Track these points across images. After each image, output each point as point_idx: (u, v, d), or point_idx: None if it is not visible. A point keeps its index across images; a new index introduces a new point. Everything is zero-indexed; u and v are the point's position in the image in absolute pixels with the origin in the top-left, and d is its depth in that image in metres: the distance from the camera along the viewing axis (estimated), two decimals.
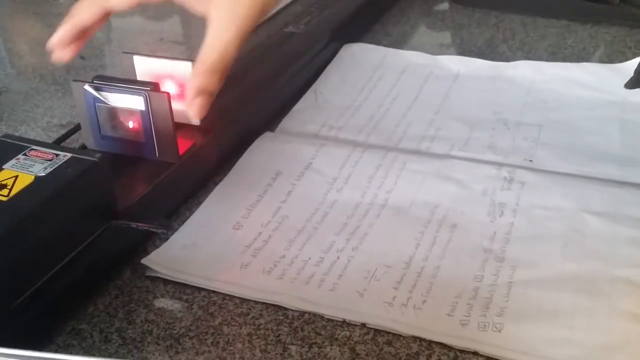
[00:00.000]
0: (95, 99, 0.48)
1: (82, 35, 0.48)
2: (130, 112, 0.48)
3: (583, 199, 0.50)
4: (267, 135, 0.59)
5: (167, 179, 0.48)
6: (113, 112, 0.48)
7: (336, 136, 0.60)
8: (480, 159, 0.56)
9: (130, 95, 0.47)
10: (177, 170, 0.49)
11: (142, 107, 0.47)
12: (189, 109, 0.45)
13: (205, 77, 0.45)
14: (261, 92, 0.60)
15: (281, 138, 0.59)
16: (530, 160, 0.55)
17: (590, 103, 0.62)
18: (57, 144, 0.52)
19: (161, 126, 0.47)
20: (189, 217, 0.50)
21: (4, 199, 0.38)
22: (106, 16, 0.49)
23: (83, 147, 0.50)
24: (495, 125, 0.60)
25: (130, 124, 0.48)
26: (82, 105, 0.48)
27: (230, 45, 0.45)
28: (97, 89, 0.47)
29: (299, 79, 0.67)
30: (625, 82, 0.64)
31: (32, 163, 0.41)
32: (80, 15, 0.48)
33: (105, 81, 0.47)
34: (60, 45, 0.48)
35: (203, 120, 0.52)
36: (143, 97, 0.46)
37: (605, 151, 0.56)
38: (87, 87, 0.47)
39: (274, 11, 0.49)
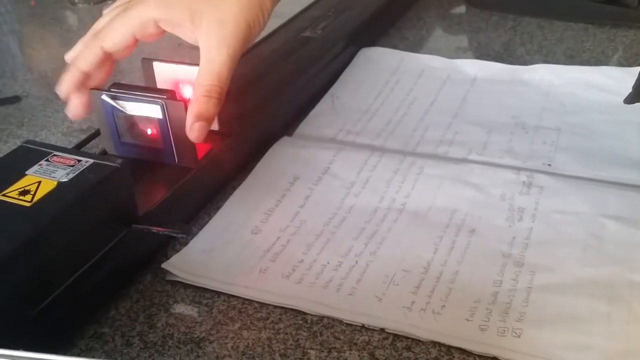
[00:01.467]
0: (113, 108, 0.48)
1: (88, 80, 0.48)
2: (148, 120, 0.48)
3: (602, 203, 0.50)
4: (285, 139, 0.60)
5: (186, 183, 0.49)
6: (131, 120, 0.49)
7: (353, 141, 0.60)
8: (498, 163, 0.56)
9: (147, 104, 0.47)
10: (196, 175, 0.50)
11: (160, 115, 0.47)
12: (189, 133, 0.46)
13: (203, 103, 0.46)
14: (278, 96, 0.61)
15: (299, 143, 0.59)
16: (549, 165, 0.55)
17: (609, 107, 0.62)
18: (78, 148, 0.52)
19: (179, 133, 0.48)
20: (208, 221, 0.50)
21: (28, 204, 0.39)
22: (108, 59, 0.48)
23: (104, 153, 0.51)
24: (513, 130, 0.60)
25: (149, 131, 0.49)
26: (101, 113, 0.49)
27: (224, 68, 0.46)
28: (114, 97, 0.48)
29: (316, 83, 0.67)
30: None
31: (55, 169, 0.41)
32: (82, 61, 0.48)
33: (121, 89, 0.48)
34: (68, 91, 0.48)
35: (221, 125, 0.52)
36: (160, 105, 0.47)
37: (624, 155, 0.56)
38: (104, 96, 0.47)
39: (260, 37, 0.50)
